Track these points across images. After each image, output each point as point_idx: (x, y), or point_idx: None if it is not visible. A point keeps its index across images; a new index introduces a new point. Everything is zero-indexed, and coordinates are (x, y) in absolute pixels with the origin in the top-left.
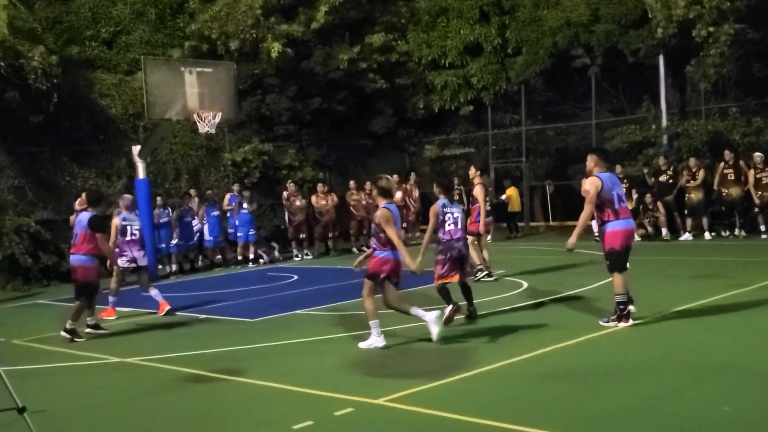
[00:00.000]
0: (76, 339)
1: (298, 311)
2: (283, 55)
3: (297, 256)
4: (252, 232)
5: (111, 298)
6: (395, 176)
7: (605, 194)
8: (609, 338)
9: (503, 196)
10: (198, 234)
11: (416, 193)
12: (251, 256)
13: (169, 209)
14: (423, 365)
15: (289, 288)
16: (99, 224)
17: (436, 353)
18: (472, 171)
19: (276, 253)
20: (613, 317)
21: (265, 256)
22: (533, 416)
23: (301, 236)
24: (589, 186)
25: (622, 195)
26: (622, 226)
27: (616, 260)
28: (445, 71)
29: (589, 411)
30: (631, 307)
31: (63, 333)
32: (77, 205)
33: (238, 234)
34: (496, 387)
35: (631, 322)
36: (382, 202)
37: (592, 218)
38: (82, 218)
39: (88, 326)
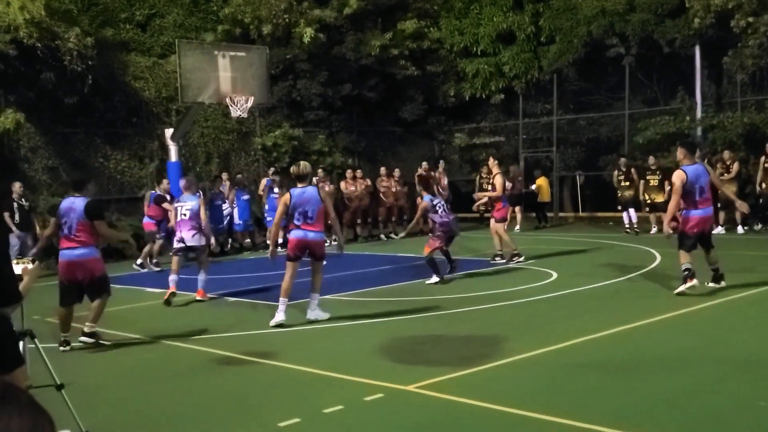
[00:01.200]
0: (102, 341)
1: (326, 296)
2: (315, 40)
3: (326, 241)
4: None
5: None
6: (424, 164)
7: (688, 187)
8: (642, 330)
9: (533, 186)
10: (228, 218)
11: (445, 182)
12: (280, 240)
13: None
14: (453, 353)
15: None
16: (97, 210)
17: (466, 341)
18: (491, 161)
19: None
20: (683, 284)
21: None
22: (565, 407)
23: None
24: (675, 179)
25: (705, 187)
26: (699, 215)
27: (685, 241)
28: (476, 59)
29: (622, 403)
30: (695, 281)
31: (83, 339)
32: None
33: (268, 218)
34: (527, 376)
35: (695, 281)
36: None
37: (623, 210)
38: (74, 205)
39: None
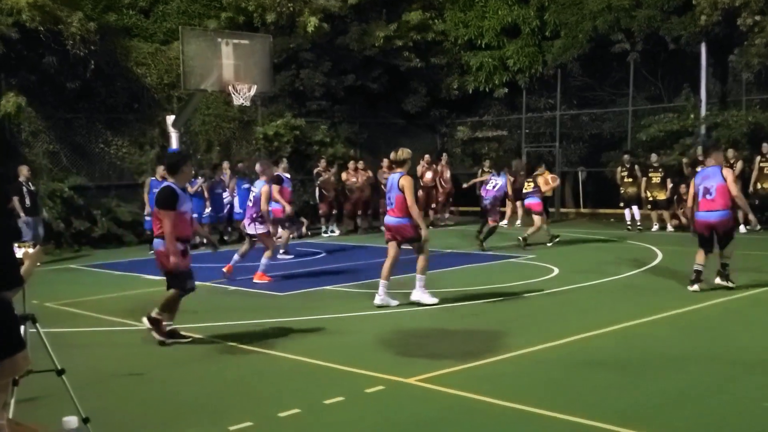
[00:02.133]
0: (158, 335)
1: (327, 287)
2: (319, 30)
3: (326, 232)
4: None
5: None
6: (426, 156)
7: (695, 187)
8: (645, 328)
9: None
10: (228, 206)
11: (447, 174)
12: (279, 230)
13: (200, 179)
14: (456, 346)
15: (316, 264)
16: (166, 200)
17: (469, 335)
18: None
19: (304, 229)
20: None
21: (293, 230)
22: (569, 403)
23: (333, 212)
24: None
25: (709, 188)
26: (698, 218)
27: (698, 240)
28: (481, 52)
29: (627, 401)
30: (695, 287)
31: (145, 320)
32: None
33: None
34: (529, 371)
35: (695, 287)
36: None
37: (626, 207)
38: (157, 190)
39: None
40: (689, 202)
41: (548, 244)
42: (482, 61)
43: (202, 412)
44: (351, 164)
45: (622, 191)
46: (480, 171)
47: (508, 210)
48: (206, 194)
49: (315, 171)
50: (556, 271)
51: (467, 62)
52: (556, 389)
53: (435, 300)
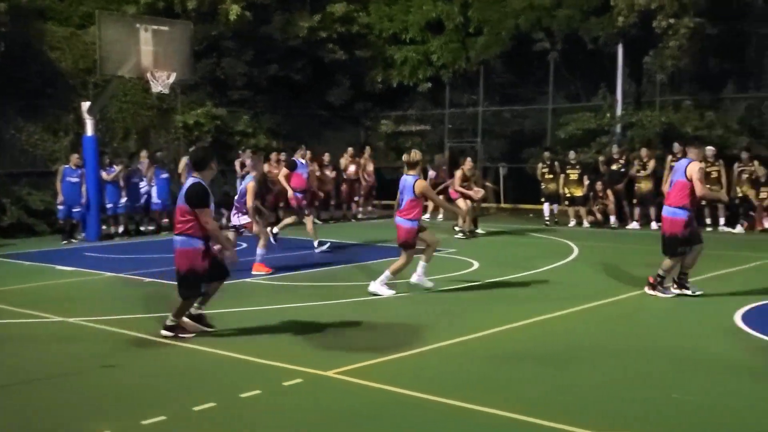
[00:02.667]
0: (182, 335)
1: (247, 279)
2: (241, 18)
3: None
4: None
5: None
6: (350, 149)
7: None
8: (563, 321)
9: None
10: (145, 196)
11: (370, 168)
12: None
13: (115, 167)
14: (376, 339)
15: (238, 255)
16: (200, 197)
17: (389, 328)
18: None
19: (224, 220)
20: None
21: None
22: (488, 396)
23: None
24: None
25: (673, 181)
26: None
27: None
28: (405, 46)
29: (545, 393)
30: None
31: (164, 332)
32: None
33: None
34: (448, 364)
35: (648, 290)
36: None
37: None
38: (183, 187)
39: (192, 316)
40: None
41: (464, 235)
42: (406, 55)
43: (114, 407)
44: (273, 156)
45: (543, 187)
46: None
47: (430, 205)
48: (122, 183)
49: (239, 161)
50: (476, 265)
51: (391, 56)
52: (475, 381)
53: (430, 284)
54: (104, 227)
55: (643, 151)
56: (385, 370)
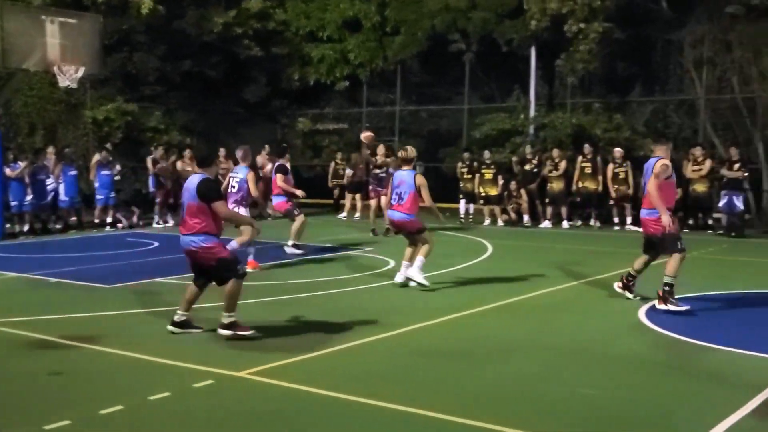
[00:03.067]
0: (241, 333)
1: (158, 279)
2: (153, 12)
3: (159, 222)
4: (112, 195)
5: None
6: (267, 147)
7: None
8: (478, 318)
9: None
10: (53, 193)
11: (269, 167)
12: (109, 219)
13: (20, 164)
14: (290, 339)
15: (148, 255)
16: (215, 189)
17: (303, 327)
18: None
19: (135, 218)
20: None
21: (123, 220)
22: (402, 393)
23: (170, 201)
24: None
25: (645, 182)
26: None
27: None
28: (322, 44)
29: (459, 390)
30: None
31: (221, 331)
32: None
33: (98, 196)
34: (364, 363)
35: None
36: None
37: (459, 200)
38: (189, 184)
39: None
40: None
41: (378, 235)
42: (324, 53)
43: (16, 411)
44: (187, 153)
45: (462, 186)
46: (333, 163)
47: (347, 203)
48: (27, 180)
49: (151, 158)
50: (392, 263)
51: (308, 54)
52: (390, 379)
53: (427, 283)
54: (8, 225)
55: (555, 152)
56: (298, 369)
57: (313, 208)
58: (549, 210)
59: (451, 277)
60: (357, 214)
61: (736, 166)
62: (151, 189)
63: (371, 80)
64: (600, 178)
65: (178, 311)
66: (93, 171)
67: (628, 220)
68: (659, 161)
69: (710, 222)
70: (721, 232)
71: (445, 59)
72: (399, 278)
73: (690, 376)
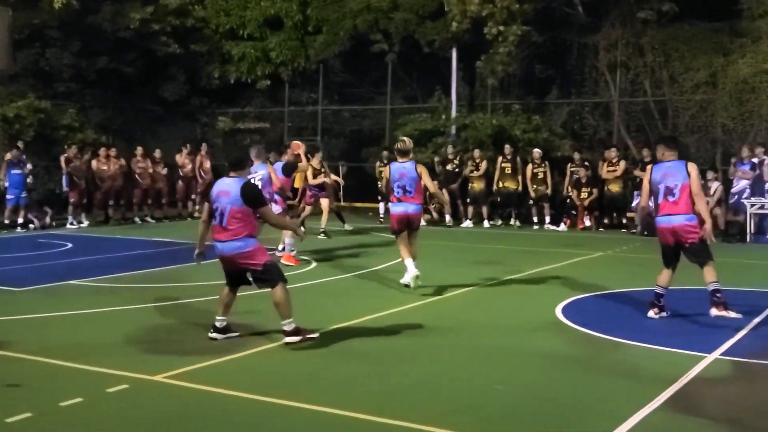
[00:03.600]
0: (309, 336)
1: (72, 281)
2: (67, 6)
3: (73, 223)
4: (23, 194)
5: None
6: (188, 145)
7: (653, 186)
8: (395, 318)
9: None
10: None
11: (207, 165)
12: (20, 220)
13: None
14: (207, 341)
15: (62, 257)
16: (260, 195)
17: None
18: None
19: (48, 219)
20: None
21: (36, 221)
22: (321, 394)
23: (83, 201)
24: (645, 175)
25: (672, 188)
26: (658, 223)
27: (662, 254)
28: (243, 42)
29: (377, 390)
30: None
31: (288, 339)
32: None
33: (9, 196)
34: (281, 364)
35: (654, 312)
36: None
37: (380, 201)
38: (226, 188)
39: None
40: (642, 202)
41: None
42: (244, 51)
43: None
44: (102, 151)
45: (380, 185)
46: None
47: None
48: None
49: (64, 157)
50: (313, 264)
51: (229, 51)
52: (309, 381)
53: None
54: None
55: (476, 152)
56: (217, 371)
57: None
58: (470, 209)
59: (370, 277)
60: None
61: (649, 167)
62: (65, 188)
63: (293, 79)
64: (520, 178)
65: (217, 317)
66: (3, 170)
67: (547, 219)
68: (691, 164)
69: (624, 221)
70: (634, 231)
71: (367, 59)
72: (407, 279)
73: (604, 372)
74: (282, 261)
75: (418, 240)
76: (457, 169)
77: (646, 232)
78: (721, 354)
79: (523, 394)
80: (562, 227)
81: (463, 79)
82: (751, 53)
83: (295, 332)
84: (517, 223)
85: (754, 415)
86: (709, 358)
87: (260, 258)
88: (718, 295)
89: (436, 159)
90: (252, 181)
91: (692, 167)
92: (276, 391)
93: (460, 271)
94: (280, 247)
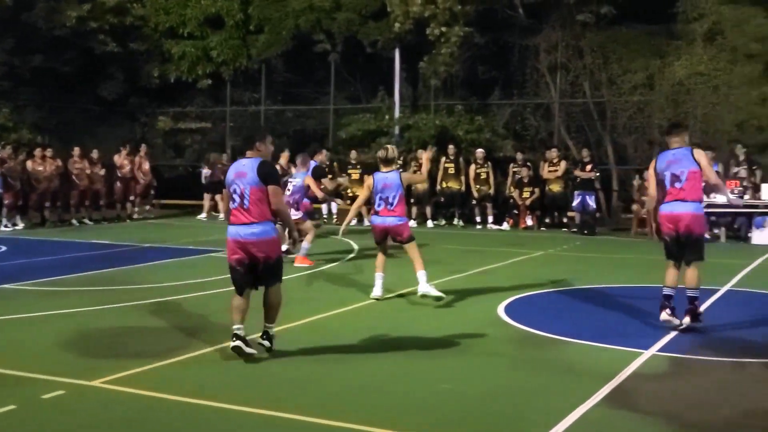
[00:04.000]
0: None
1: (6, 285)
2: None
3: (7, 225)
4: None
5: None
6: (127, 146)
7: (658, 174)
8: (336, 320)
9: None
10: None
11: (146, 166)
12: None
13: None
14: (149, 345)
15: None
16: (276, 173)
17: (165, 332)
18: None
19: None
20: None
21: None
22: (264, 397)
23: (19, 203)
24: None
25: (679, 175)
26: (663, 210)
27: (664, 248)
28: (183, 41)
29: (322, 391)
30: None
31: (265, 342)
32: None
33: None
34: (224, 367)
35: (666, 314)
36: None
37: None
38: (242, 168)
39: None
40: (651, 198)
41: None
42: (185, 50)
43: None
44: (38, 152)
45: (321, 187)
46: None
47: (206, 203)
48: None
49: None
50: None
51: (169, 50)
52: (251, 383)
53: (443, 294)
54: None
55: (420, 153)
56: (158, 376)
57: (175, 209)
58: (414, 210)
59: (315, 277)
60: (203, 215)
61: (589, 167)
62: None
63: (235, 79)
64: (463, 178)
65: (235, 325)
66: None
67: (490, 219)
68: (698, 151)
69: (565, 220)
70: (575, 230)
71: (310, 59)
72: (377, 293)
73: (545, 369)
74: (294, 264)
75: (415, 251)
76: (400, 170)
77: (585, 231)
78: (658, 350)
79: (466, 392)
80: (505, 226)
81: (406, 80)
82: (686, 56)
83: (273, 339)
84: (461, 223)
85: (688, 408)
86: (647, 354)
87: (278, 249)
88: (695, 303)
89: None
90: (288, 185)
91: (699, 154)
92: (220, 395)
93: (404, 271)
94: (284, 247)
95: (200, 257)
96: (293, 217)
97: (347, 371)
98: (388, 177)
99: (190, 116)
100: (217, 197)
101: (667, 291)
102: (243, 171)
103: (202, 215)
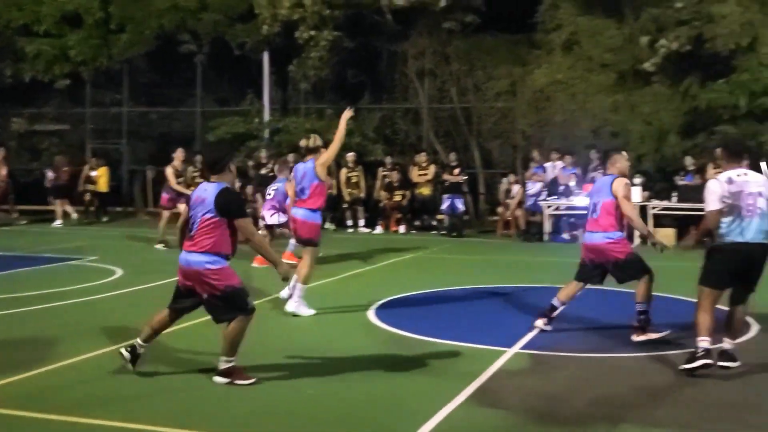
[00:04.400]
0: (240, 382)
1: None
2: None
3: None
4: None
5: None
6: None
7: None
8: (200, 328)
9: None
10: None
11: (4, 171)
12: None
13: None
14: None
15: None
16: (240, 203)
17: (14, 345)
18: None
19: None
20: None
21: None
22: (127, 410)
23: None
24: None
25: (597, 204)
26: (584, 240)
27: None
28: (38, 39)
29: (184, 402)
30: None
31: (218, 379)
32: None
33: None
34: (84, 380)
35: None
36: None
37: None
38: (202, 194)
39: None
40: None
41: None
42: (40, 48)
43: None
44: None
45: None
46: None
47: (57, 209)
48: None
49: None
50: (119, 272)
51: (22, 48)
52: (114, 396)
53: (313, 311)
54: None
55: (290, 156)
56: (8, 392)
57: (30, 215)
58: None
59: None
60: (59, 221)
61: (456, 171)
62: None
63: (95, 79)
64: (334, 182)
65: (139, 341)
66: None
67: (361, 222)
68: (618, 180)
69: (434, 223)
70: (444, 232)
71: (176, 60)
72: (285, 294)
73: (412, 371)
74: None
75: (308, 259)
76: (270, 173)
77: (454, 234)
78: (521, 348)
79: (333, 396)
80: (378, 230)
81: (276, 83)
82: (546, 64)
83: (227, 373)
84: (332, 227)
85: (549, 402)
86: (510, 352)
87: (222, 280)
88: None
89: (250, 163)
90: (267, 190)
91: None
92: (77, 409)
93: (273, 274)
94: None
95: (55, 266)
96: (279, 221)
97: (209, 379)
98: (306, 166)
99: (46, 118)
100: (61, 202)
101: (557, 303)
102: (203, 196)
103: (57, 222)
